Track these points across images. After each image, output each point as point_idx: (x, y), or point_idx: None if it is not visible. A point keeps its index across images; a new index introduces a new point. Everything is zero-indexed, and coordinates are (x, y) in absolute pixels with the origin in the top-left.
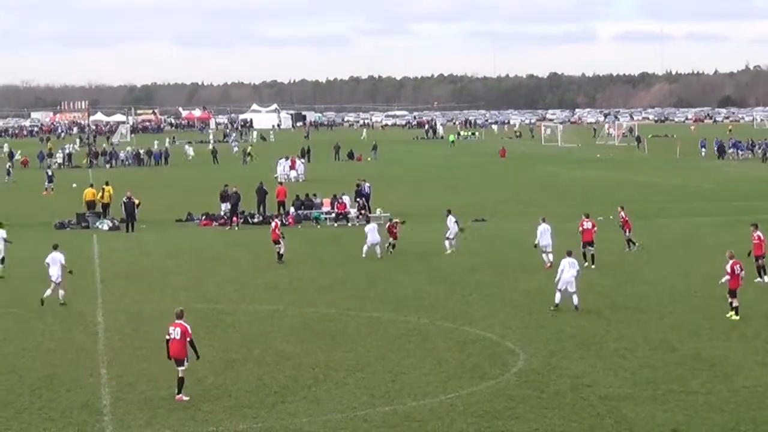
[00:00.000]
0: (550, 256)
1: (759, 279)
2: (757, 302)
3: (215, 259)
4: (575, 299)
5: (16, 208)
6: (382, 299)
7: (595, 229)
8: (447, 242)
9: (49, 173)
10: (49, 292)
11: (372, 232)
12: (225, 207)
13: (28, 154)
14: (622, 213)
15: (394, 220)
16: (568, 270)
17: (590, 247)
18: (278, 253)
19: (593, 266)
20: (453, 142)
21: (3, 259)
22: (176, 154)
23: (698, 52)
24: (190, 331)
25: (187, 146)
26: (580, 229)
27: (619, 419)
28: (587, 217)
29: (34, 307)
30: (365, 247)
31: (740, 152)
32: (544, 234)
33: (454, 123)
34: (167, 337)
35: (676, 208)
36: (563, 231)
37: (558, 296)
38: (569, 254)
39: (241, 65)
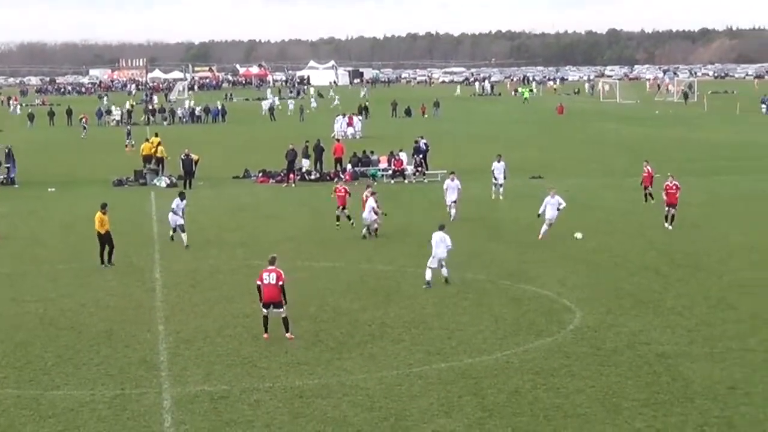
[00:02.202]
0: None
1: None
2: None
3: (272, 216)
4: (445, 272)
5: (78, 164)
6: None
7: (678, 190)
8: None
9: (128, 129)
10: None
11: (451, 190)
12: (307, 163)
13: (86, 111)
14: (648, 167)
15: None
16: (439, 246)
17: (673, 209)
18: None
19: (671, 227)
20: (526, 98)
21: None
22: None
23: (760, 7)
24: (283, 276)
25: (289, 101)
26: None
27: (676, 377)
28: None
29: (92, 264)
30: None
31: None
32: (550, 206)
33: (512, 79)
34: (259, 282)
35: (736, 165)
36: (619, 187)
37: (428, 273)
38: (441, 228)
39: (299, 22)
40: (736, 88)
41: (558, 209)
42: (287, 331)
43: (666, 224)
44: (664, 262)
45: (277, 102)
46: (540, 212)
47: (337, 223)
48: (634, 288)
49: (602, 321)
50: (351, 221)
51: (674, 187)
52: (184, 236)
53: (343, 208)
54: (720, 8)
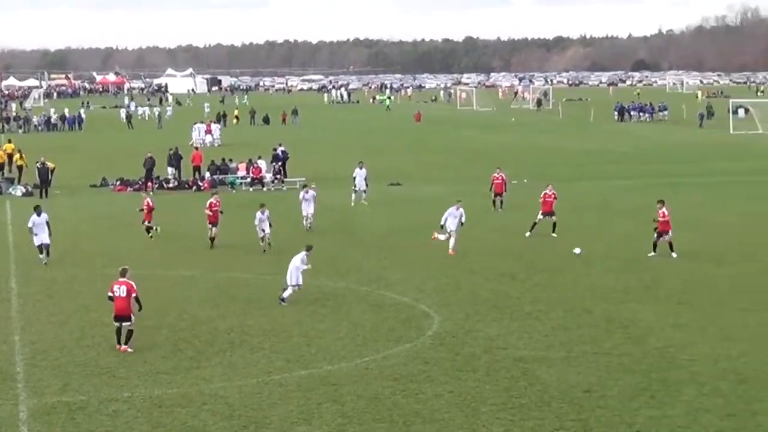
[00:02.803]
0: (452, 242)
1: (653, 254)
2: (670, 266)
3: (130, 224)
4: (288, 292)
5: None
6: None
7: (555, 199)
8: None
9: None
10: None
11: (306, 203)
12: (172, 171)
13: None
14: (502, 174)
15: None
16: (293, 271)
17: (551, 217)
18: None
19: (554, 234)
20: (388, 107)
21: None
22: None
23: (613, 16)
24: (135, 288)
25: (155, 108)
26: (542, 200)
27: (533, 381)
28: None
29: None
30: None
31: (642, 115)
32: (452, 218)
33: (370, 87)
34: (110, 294)
35: (590, 171)
36: (476, 193)
37: (289, 291)
38: (308, 249)
39: (156, 29)
40: (590, 95)
41: (462, 223)
42: (126, 343)
43: (527, 233)
44: (522, 268)
45: (142, 110)
46: (442, 223)
47: (150, 234)
48: (491, 294)
49: (460, 326)
50: (156, 229)
51: (552, 196)
52: (42, 256)
53: (148, 221)
54: (574, 17)
